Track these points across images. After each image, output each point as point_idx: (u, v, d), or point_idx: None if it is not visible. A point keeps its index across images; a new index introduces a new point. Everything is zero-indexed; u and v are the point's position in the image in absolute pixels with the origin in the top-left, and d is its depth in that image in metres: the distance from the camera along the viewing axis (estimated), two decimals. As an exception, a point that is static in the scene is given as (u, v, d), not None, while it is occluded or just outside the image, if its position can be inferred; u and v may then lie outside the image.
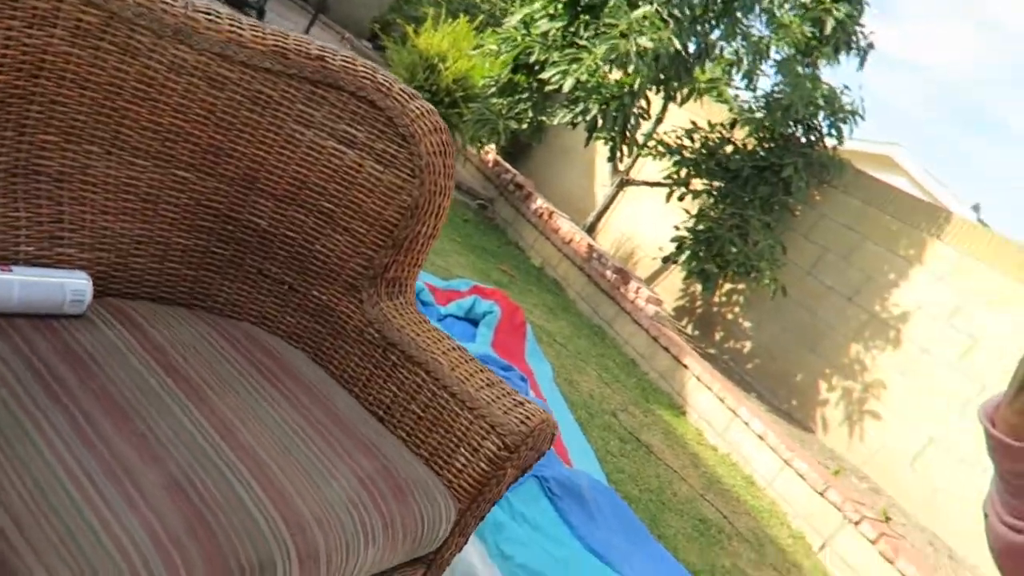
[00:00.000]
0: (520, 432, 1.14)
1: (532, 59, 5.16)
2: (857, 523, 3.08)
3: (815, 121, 4.85)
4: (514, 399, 1.20)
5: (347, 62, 1.25)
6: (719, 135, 5.31)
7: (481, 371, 1.24)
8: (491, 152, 6.67)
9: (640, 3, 4.64)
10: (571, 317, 4.54)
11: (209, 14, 1.13)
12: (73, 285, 1.01)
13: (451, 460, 1.18)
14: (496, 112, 5.40)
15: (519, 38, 5.27)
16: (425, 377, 1.23)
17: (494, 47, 5.37)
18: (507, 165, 6.48)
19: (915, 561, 2.91)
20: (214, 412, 0.99)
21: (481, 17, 6.26)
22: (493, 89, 5.46)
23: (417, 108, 1.28)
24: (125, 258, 1.19)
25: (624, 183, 5.72)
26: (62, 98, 1.03)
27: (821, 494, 3.25)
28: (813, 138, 4.92)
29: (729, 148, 5.21)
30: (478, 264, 4.41)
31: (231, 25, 1.15)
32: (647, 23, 4.48)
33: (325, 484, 0.97)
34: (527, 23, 5.26)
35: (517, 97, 5.48)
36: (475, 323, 3.12)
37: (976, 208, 12.24)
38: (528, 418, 1.16)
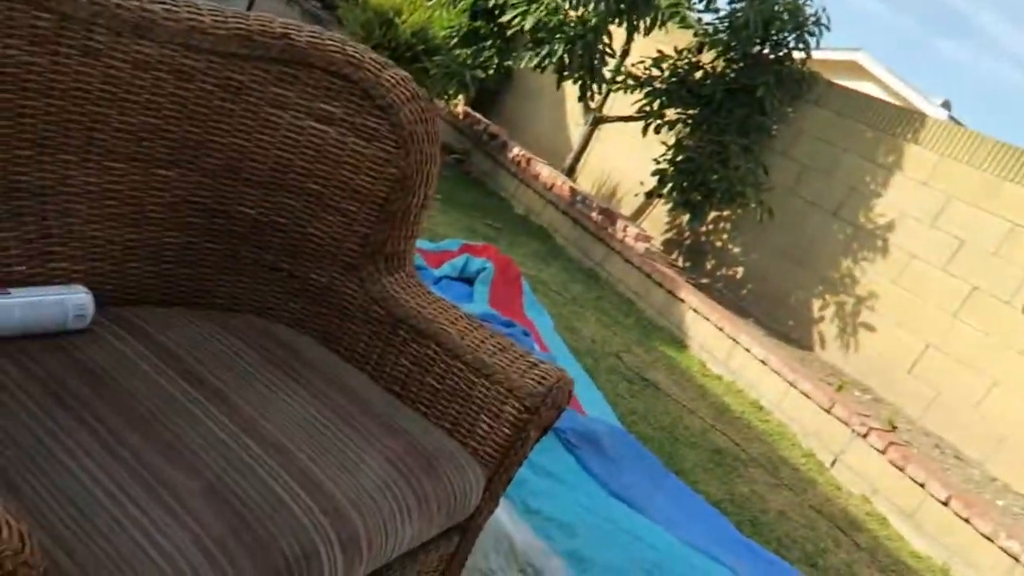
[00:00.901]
0: (538, 393, 1.14)
1: (491, 3, 5.04)
2: (865, 435, 3.15)
3: (781, 36, 4.78)
4: (528, 360, 1.20)
5: (313, 37, 1.21)
6: (687, 61, 5.24)
7: (491, 336, 1.24)
8: (460, 104, 6.56)
9: (594, -65, 4.52)
10: (562, 263, 4.54)
11: (164, 4, 1.09)
12: (74, 300, 0.99)
13: (473, 428, 1.19)
14: (461, 63, 5.30)
15: (474, -18, 5.14)
16: (436, 349, 1.22)
17: (450, -6, 5.24)
18: (478, 116, 6.39)
19: (924, 466, 2.99)
20: (235, 411, 0.98)
21: (434, -35, 6.09)
22: (455, 40, 5.35)
23: (391, 77, 1.25)
24: (120, 265, 1.17)
25: (597, 121, 5.66)
26: (29, 109, 0.99)
27: (827, 411, 3.31)
28: (781, 54, 4.86)
29: (699, 74, 5.15)
30: (463, 220, 4.38)
31: (189, 13, 1.11)
32: (603, -45, 4.37)
33: (355, 468, 0.98)
34: (480, -34, 5.13)
35: (480, 45, 5.38)
36: (470, 282, 3.11)
37: (947, 105, 12.24)
38: (544, 378, 1.16)
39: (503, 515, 1.70)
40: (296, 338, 1.27)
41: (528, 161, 5.54)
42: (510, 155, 5.69)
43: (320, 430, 1.02)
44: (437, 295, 1.31)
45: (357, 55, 1.24)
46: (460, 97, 6.39)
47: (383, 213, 1.28)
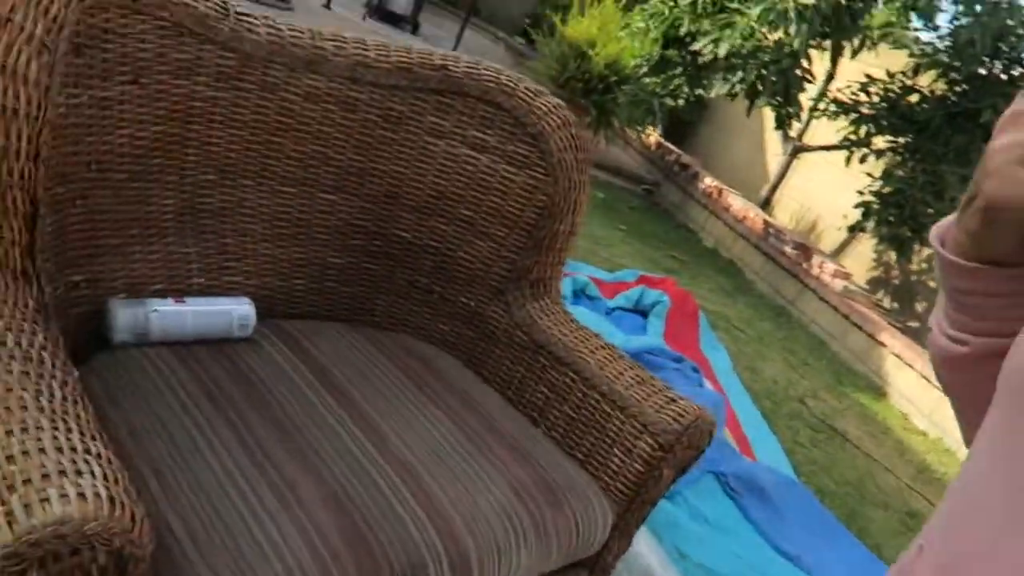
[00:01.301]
0: (673, 431, 1.08)
1: (682, 31, 4.96)
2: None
3: (1015, 52, 4.26)
4: (666, 396, 1.14)
5: (470, 67, 1.26)
6: (900, 85, 4.82)
7: (631, 368, 1.20)
8: (653, 134, 6.51)
9: (797, -44, 4.32)
10: (750, 299, 4.32)
11: (335, 41, 1.18)
12: (239, 311, 1.09)
13: (606, 462, 1.15)
14: (650, 91, 5.26)
15: (667, 11, 5.09)
16: (575, 377, 1.20)
17: (642, 24, 5.23)
18: (670, 146, 6.29)
19: None
20: (368, 423, 1.02)
21: (628, -3, 6.12)
22: (645, 68, 5.32)
23: (543, 105, 1.26)
24: (287, 281, 1.27)
25: (797, 150, 5.35)
26: (213, 139, 1.11)
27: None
28: (1015, 73, 4.32)
29: (914, 97, 4.71)
30: (646, 252, 4.31)
31: (356, 49, 1.19)
32: (806, -24, 4.15)
33: (476, 492, 0.98)
34: (673, -6, 5.08)
35: (670, 73, 5.31)
36: (644, 314, 3.05)
37: None
38: (681, 415, 1.10)
39: (652, 558, 1.62)
40: (441, 358, 1.30)
41: (720, 192, 5.36)
42: (701, 186, 5.54)
43: (448, 451, 1.04)
44: (579, 324, 1.29)
45: (511, 84, 1.27)
46: (652, 127, 6.34)
47: (531, 239, 1.29)
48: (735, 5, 4.60)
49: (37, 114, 0.74)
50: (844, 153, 4.90)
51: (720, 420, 2.21)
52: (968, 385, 0.52)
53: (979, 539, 0.41)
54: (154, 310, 1.00)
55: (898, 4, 4.72)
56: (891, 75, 4.90)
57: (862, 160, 4.82)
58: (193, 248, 1.14)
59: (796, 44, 4.31)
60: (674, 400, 1.14)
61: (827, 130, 5.16)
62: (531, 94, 1.26)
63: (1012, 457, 0.40)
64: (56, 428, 0.63)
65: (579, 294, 2.86)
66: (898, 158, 4.71)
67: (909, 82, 4.80)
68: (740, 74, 4.59)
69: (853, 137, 4.85)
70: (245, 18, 1.09)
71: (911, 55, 4.80)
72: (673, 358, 2.44)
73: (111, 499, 0.58)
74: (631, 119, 5.46)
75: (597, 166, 5.83)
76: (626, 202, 5.32)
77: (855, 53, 4.73)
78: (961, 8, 4.33)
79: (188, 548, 0.74)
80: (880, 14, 4.78)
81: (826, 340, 4.09)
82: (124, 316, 0.98)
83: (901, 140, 4.68)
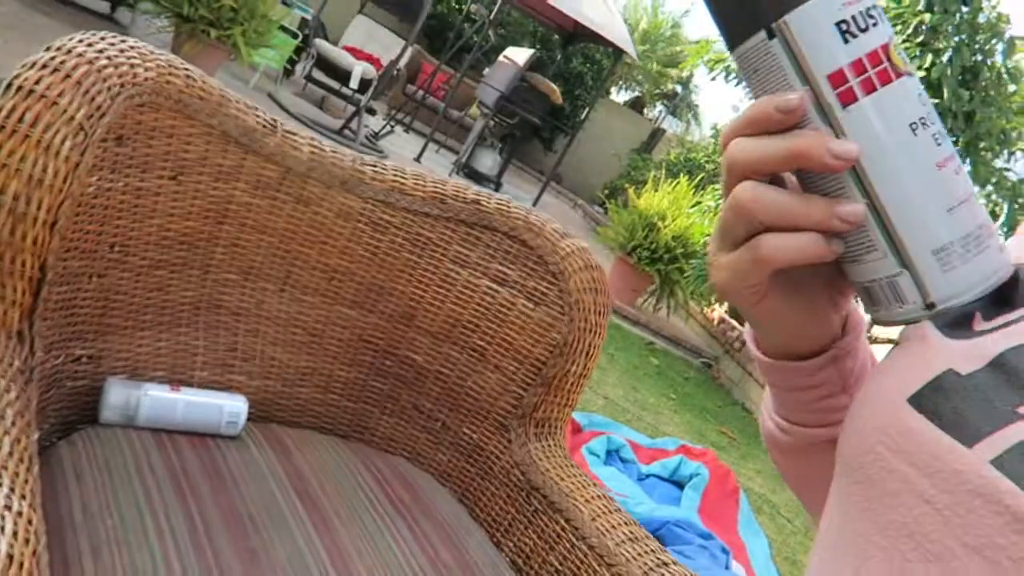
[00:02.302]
0: (659, 597, 1.00)
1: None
2: None
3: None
4: (658, 558, 1.06)
5: (501, 204, 1.30)
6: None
7: (625, 524, 1.13)
8: (717, 309, 6.49)
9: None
10: (802, 488, 4.07)
11: (375, 166, 1.24)
12: (230, 407, 1.09)
13: (584, 623, 1.05)
14: (717, 269, 5.30)
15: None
16: (565, 525, 1.14)
17: (712, 204, 5.36)
18: (733, 322, 6.24)
19: None
20: (334, 541, 0.98)
21: (702, 176, 6.34)
22: (712, 246, 5.40)
23: (568, 246, 1.28)
24: (291, 387, 1.28)
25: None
26: (242, 241, 1.16)
27: None
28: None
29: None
30: (694, 423, 4.18)
31: (395, 175, 1.26)
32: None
33: (431, 630, 0.91)
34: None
35: (739, 253, 5.35)
36: (680, 485, 2.90)
37: None
38: (670, 580, 1.01)
39: None
40: (433, 489, 1.26)
41: (779, 373, 5.22)
42: (761, 365, 5.41)
43: (412, 582, 0.98)
44: (580, 471, 1.24)
45: (538, 223, 1.30)
46: (718, 303, 6.34)
47: (540, 377, 1.27)
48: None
49: (61, 187, 0.80)
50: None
51: (746, 611, 2.02)
52: (799, 471, 0.52)
53: None
54: (146, 394, 1.02)
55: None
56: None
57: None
58: (202, 342, 1.17)
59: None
60: (666, 563, 1.05)
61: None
62: (557, 235, 1.29)
63: (859, 544, 0.37)
64: (-13, 479, 0.63)
65: (612, 454, 2.76)
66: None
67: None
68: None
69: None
70: (291, 136, 1.17)
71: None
72: (701, 534, 2.29)
73: (9, 557, 0.57)
74: (696, 292, 5.48)
75: (656, 334, 5.81)
76: (681, 373, 5.22)
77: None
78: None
79: (100, 636, 0.71)
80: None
81: (884, 545, 3.77)
82: (115, 396, 1.00)
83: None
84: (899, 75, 0.36)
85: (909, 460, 0.35)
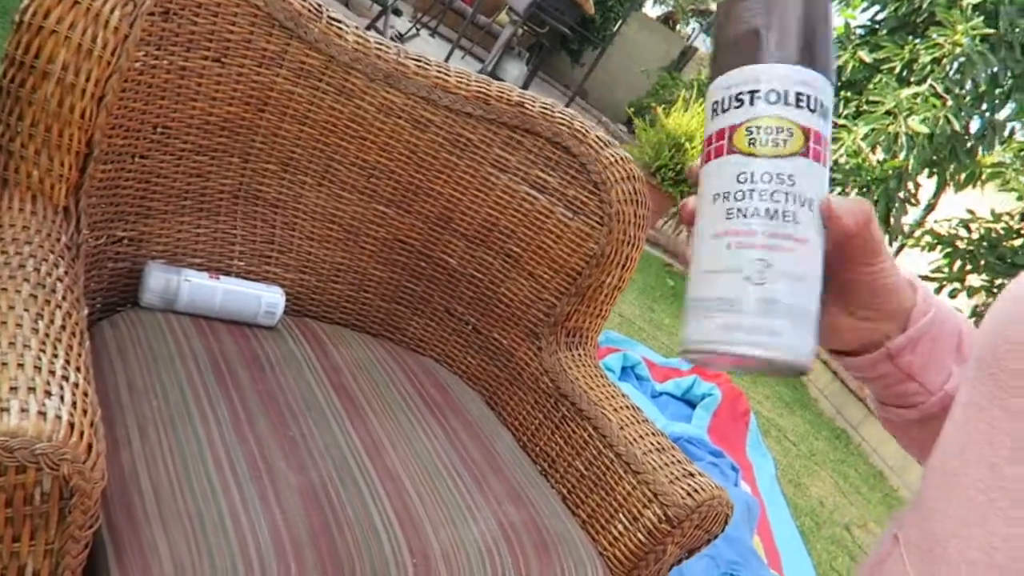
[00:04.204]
0: (685, 505, 1.01)
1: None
2: None
3: None
4: (684, 468, 1.08)
5: (546, 108, 1.26)
6: (1005, 226, 4.62)
7: (653, 434, 1.14)
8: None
9: (912, 80, 4.27)
10: (809, 415, 4.12)
11: (419, 61, 1.20)
12: (268, 298, 1.09)
13: (608, 525, 1.08)
14: (742, 194, 5.21)
15: (771, 119, 5.08)
16: (592, 433, 1.15)
17: (744, 128, 5.22)
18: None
19: None
20: (369, 432, 1.00)
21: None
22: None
23: (611, 155, 1.25)
24: (325, 283, 1.28)
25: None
26: (283, 131, 1.14)
27: None
28: None
29: (1017, 241, 4.51)
30: (708, 347, 4.20)
31: (439, 72, 1.22)
32: (919, 101, 4.09)
33: (463, 522, 0.93)
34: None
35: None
36: (692, 405, 2.94)
37: None
38: (696, 491, 1.03)
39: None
40: (463, 390, 1.27)
41: (796, 302, 5.20)
42: (778, 293, 5.39)
43: (444, 476, 1.00)
44: (609, 380, 1.25)
45: (582, 130, 1.26)
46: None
47: (574, 287, 1.26)
48: (842, 120, 4.55)
49: (110, 59, 0.77)
50: (933, 285, 4.71)
51: (751, 526, 2.08)
52: (917, 442, 0.54)
53: (955, 518, 0.40)
54: (186, 279, 1.02)
55: (1016, 148, 4.58)
56: (996, 215, 4.72)
57: (953, 295, 4.61)
58: (240, 231, 1.16)
59: (911, 168, 4.21)
60: (692, 475, 1.07)
61: (918, 259, 4.98)
62: (600, 143, 1.26)
63: (987, 432, 0.39)
64: (43, 350, 0.63)
65: (628, 371, 2.79)
66: (991, 299, 4.49)
67: (1016, 226, 4.61)
68: (840, 190, 4.51)
69: (945, 271, 4.66)
70: (336, 23, 1.13)
71: (1020, 198, 4.63)
72: (711, 451, 2.33)
73: (71, 424, 0.57)
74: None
75: (675, 256, 5.78)
76: (698, 296, 5.21)
77: (961, 186, 4.59)
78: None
79: (150, 507, 0.73)
80: (997, 151, 4.64)
81: (886, 473, 3.84)
82: (156, 279, 1.00)
83: (998, 281, 4.46)
84: (731, 152, 0.43)
85: None
